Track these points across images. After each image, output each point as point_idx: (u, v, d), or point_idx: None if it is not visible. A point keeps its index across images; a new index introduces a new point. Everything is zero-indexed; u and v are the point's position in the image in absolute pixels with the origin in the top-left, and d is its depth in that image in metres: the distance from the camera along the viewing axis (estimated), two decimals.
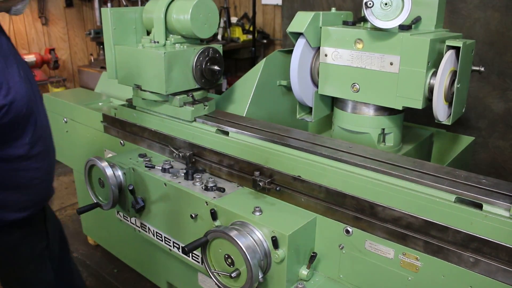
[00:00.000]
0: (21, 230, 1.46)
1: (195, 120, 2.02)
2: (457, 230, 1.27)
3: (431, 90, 1.68)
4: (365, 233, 1.45)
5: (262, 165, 1.71)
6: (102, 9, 2.10)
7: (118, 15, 2.07)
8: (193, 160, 1.95)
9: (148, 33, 2.16)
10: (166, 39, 2.05)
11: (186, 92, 2.04)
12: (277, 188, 1.63)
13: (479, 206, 1.27)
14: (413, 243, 1.36)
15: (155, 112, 2.14)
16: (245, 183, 1.77)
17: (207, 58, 2.03)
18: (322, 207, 1.55)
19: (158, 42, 2.04)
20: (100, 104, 2.59)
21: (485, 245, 1.23)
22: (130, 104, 2.28)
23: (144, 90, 2.06)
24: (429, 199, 1.33)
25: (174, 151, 1.97)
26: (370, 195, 1.44)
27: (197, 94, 2.07)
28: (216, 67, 2.06)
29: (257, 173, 1.68)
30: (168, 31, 2.06)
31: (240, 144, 1.80)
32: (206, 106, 2.06)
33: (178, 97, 2.01)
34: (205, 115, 2.05)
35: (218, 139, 1.89)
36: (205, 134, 1.94)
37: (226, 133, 1.89)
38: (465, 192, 1.31)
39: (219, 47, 2.11)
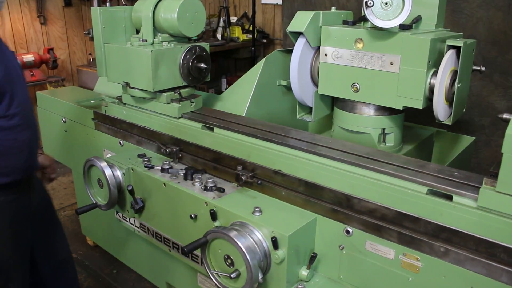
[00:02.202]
0: (4, 195, 1.63)
1: (181, 117, 2.06)
2: (428, 221, 1.32)
3: (431, 89, 1.68)
4: (366, 233, 1.45)
5: (245, 159, 1.75)
6: (92, 8, 2.16)
7: (107, 14, 2.12)
8: (180, 155, 1.99)
9: (138, 31, 2.20)
10: (154, 38, 2.10)
11: (173, 89, 2.09)
12: (259, 182, 1.67)
13: (450, 198, 1.31)
14: (388, 234, 1.40)
15: (143, 109, 2.20)
16: (229, 177, 1.81)
17: (194, 56, 2.08)
18: (302, 200, 1.59)
19: (146, 41, 2.08)
20: (92, 101, 2.63)
21: (454, 235, 1.28)
22: (120, 101, 2.33)
23: (133, 88, 2.11)
24: (402, 191, 1.37)
25: (162, 146, 2.02)
26: (346, 188, 1.48)
27: (184, 91, 2.12)
28: (202, 65, 2.11)
29: (239, 167, 1.73)
30: (156, 29, 2.11)
31: (224, 139, 1.85)
32: (193, 103, 2.11)
33: (165, 94, 2.06)
34: (191, 111, 2.10)
35: (203, 135, 1.94)
36: (191, 130, 1.98)
37: (211, 129, 1.93)
38: (437, 184, 1.35)
39: (206, 45, 2.15)
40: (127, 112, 2.28)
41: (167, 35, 2.11)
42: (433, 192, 1.35)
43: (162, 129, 2.11)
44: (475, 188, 1.29)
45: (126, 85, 2.13)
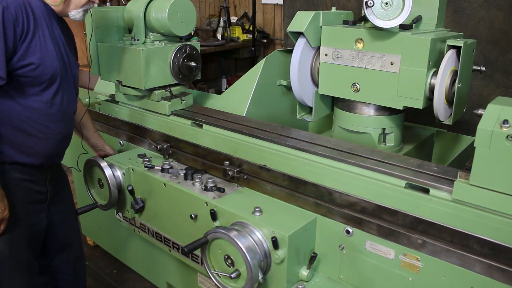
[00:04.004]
0: (22, 174, 1.70)
1: (172, 114, 2.11)
2: (406, 213, 1.36)
3: (432, 90, 1.68)
4: (366, 233, 1.45)
5: (232, 155, 1.79)
6: None
7: (100, 14, 2.16)
8: (170, 152, 2.03)
9: (130, 31, 2.23)
10: (145, 37, 2.14)
11: (164, 87, 2.13)
12: (245, 177, 1.72)
13: (427, 191, 1.34)
14: (368, 227, 1.43)
15: (135, 107, 2.25)
16: (217, 172, 1.85)
17: (184, 55, 2.13)
18: (286, 194, 1.63)
19: (138, 40, 2.12)
20: (86, 100, 2.65)
21: (431, 227, 1.32)
22: (113, 99, 2.38)
23: (125, 86, 2.15)
24: (381, 185, 1.41)
25: (153, 143, 2.06)
26: (328, 182, 1.52)
27: (175, 89, 2.17)
28: (193, 63, 2.16)
29: (227, 163, 1.77)
30: (147, 29, 2.15)
31: (212, 136, 1.90)
32: (183, 100, 2.16)
33: (156, 92, 2.11)
34: (181, 109, 2.15)
35: (192, 132, 1.98)
36: (180, 127, 2.03)
37: (200, 126, 1.98)
38: (415, 178, 1.39)
39: (196, 44, 2.20)
40: (119, 110, 2.32)
41: (159, 34, 2.15)
42: (411, 186, 1.38)
43: (153, 126, 2.16)
44: (451, 181, 1.32)
45: (119, 83, 2.18)
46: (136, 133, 2.22)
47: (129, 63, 2.06)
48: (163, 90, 2.13)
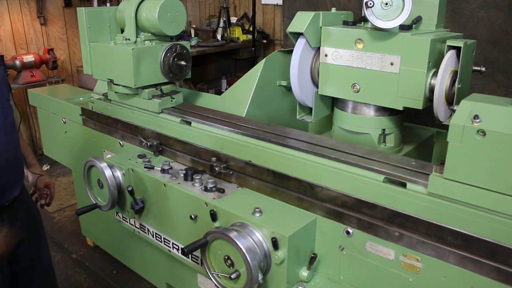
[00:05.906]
0: None
1: (162, 112, 2.15)
2: (384, 207, 1.39)
3: (431, 90, 1.67)
4: (366, 234, 1.45)
5: (219, 151, 1.83)
6: (77, 8, 2.22)
7: (92, 14, 2.21)
8: (160, 149, 2.08)
9: (122, 31, 2.28)
10: (137, 37, 2.19)
11: (155, 85, 2.18)
12: (231, 172, 1.76)
13: (404, 185, 1.38)
14: (348, 220, 1.47)
15: (126, 105, 2.29)
16: (204, 168, 1.89)
17: (174, 54, 2.17)
18: (270, 189, 1.66)
19: (129, 39, 2.16)
20: (81, 99, 2.72)
21: (407, 220, 1.35)
22: (105, 98, 2.42)
23: (116, 84, 2.20)
24: (361, 180, 1.44)
25: (143, 140, 2.11)
26: (310, 177, 1.55)
27: (166, 88, 2.22)
28: (183, 62, 2.21)
29: (214, 159, 1.81)
30: (139, 29, 2.20)
31: (200, 133, 1.94)
32: (173, 98, 2.20)
33: (147, 90, 2.15)
34: (172, 107, 2.19)
35: (182, 129, 2.03)
36: (170, 125, 2.08)
37: (189, 123, 2.02)
38: (393, 173, 1.42)
39: (186, 43, 2.26)
40: (112, 108, 2.36)
41: (149, 34, 2.20)
42: (389, 180, 1.41)
43: (144, 123, 2.19)
44: (428, 176, 1.34)
45: (110, 82, 2.22)
46: (128, 130, 2.26)
47: (120, 62, 2.09)
48: (154, 89, 2.17)
